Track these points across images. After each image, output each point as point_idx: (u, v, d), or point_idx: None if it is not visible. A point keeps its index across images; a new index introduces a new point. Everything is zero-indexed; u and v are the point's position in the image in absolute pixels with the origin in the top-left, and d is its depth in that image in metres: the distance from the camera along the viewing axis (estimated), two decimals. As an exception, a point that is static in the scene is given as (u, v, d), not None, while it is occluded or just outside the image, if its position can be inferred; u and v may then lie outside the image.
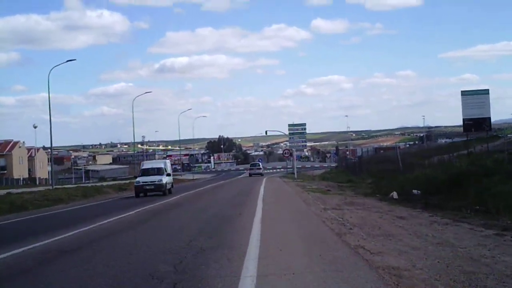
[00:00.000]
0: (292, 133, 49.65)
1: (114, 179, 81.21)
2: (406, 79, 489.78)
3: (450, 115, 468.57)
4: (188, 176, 78.20)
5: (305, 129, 49.91)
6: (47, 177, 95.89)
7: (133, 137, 60.88)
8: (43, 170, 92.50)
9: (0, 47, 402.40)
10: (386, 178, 32.15)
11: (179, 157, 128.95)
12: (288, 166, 71.13)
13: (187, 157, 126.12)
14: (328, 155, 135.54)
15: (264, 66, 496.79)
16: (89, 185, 49.86)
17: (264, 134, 74.48)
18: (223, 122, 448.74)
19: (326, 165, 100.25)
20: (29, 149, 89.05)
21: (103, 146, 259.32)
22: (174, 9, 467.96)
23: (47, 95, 59.02)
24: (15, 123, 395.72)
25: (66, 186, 48.89)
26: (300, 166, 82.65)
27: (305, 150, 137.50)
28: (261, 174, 61.24)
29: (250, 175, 59.52)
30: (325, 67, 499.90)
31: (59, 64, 44.32)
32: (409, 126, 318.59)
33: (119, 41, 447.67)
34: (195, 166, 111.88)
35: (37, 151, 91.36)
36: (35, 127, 63.58)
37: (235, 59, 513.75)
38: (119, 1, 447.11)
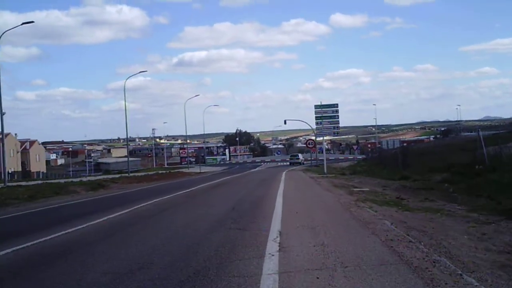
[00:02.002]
0: (320, 117, 36.34)
1: (120, 171, 70.95)
2: (425, 72, 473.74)
3: (470, 109, 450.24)
4: (195, 169, 65.38)
5: (337, 111, 36.12)
6: (45, 170, 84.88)
7: (125, 130, 48.67)
8: (39, 163, 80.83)
9: (21, 42, 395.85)
10: (465, 175, 20.88)
11: (192, 150, 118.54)
12: (310, 158, 64.77)
13: (200, 149, 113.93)
14: (354, 146, 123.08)
15: (282, 60, 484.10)
16: (63, 181, 37.85)
17: (283, 125, 66.01)
18: (242, 116, 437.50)
19: (351, 157, 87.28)
20: (23, 142, 77.51)
21: (121, 140, 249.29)
22: (193, 4, 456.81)
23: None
24: (34, 118, 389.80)
25: (30, 182, 36.62)
26: (322, 158, 69.93)
27: (325, 143, 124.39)
28: (300, 163, 65.35)
29: (291, 163, 65.12)
30: (344, 61, 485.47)
31: (13, 28, 36.03)
32: (428, 120, 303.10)
33: (138, 36, 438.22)
34: (204, 159, 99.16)
35: (32, 144, 79.57)
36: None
37: (253, 53, 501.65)
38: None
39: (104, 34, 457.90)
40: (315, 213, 11.63)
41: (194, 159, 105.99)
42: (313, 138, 55.84)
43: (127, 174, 49.54)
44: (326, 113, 35.88)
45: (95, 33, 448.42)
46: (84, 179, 43.11)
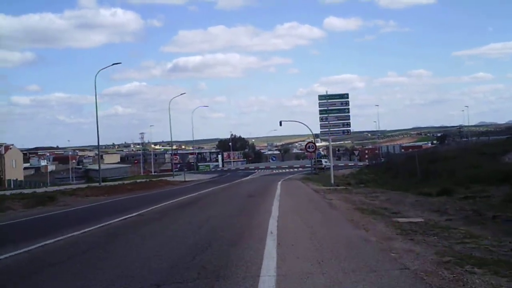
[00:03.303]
0: (325, 111, 27.71)
1: (104, 179, 62.78)
2: (419, 78, 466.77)
3: (464, 114, 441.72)
4: (181, 177, 56.82)
5: (347, 103, 27.19)
6: (22, 178, 76.27)
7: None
8: (15, 170, 72.21)
9: (15, 46, 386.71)
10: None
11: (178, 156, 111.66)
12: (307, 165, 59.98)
13: (194, 155, 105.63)
14: (355, 152, 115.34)
15: (277, 65, 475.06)
16: (9, 193, 29.75)
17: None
18: (237, 121, 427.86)
19: (351, 164, 79.16)
20: (-2, 146, 69.03)
21: (116, 146, 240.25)
22: (187, 7, 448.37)
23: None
24: (29, 124, 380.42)
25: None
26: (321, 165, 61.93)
27: (322, 148, 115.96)
28: (323, 169, 58.69)
29: (314, 168, 59.44)
30: (338, 66, 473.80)
31: None
32: (423, 126, 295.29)
33: (133, 40, 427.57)
34: (196, 166, 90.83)
35: (7, 149, 70.91)
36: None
37: (248, 58, 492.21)
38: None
39: (99, 38, 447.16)
40: None
41: (183, 166, 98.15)
42: (312, 140, 47.76)
43: (97, 184, 41.68)
44: (334, 106, 26.97)
45: (89, 36, 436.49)
46: (39, 190, 35.14)
